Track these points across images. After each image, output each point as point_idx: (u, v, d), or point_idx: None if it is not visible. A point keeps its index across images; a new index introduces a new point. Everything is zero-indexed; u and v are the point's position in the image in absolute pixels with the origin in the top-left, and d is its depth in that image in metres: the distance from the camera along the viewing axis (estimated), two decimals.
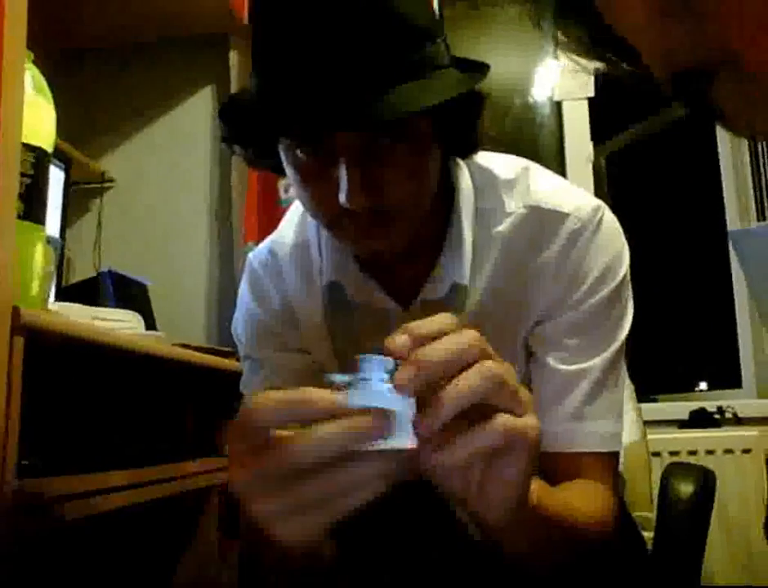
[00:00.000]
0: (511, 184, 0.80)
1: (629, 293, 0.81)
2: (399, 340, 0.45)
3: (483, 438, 0.46)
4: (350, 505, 0.45)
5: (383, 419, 0.43)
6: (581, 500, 0.71)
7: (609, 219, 0.81)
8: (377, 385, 0.44)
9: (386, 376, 0.44)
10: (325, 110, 0.61)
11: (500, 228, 0.79)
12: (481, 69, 0.70)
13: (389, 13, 0.62)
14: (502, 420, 0.47)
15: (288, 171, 0.70)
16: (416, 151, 0.67)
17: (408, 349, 0.45)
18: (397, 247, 0.72)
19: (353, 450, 0.44)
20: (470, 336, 0.47)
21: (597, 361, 0.77)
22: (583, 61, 0.35)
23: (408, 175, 0.67)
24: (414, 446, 0.44)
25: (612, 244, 0.79)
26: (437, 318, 0.47)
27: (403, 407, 0.44)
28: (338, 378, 0.45)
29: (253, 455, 0.44)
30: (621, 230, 0.82)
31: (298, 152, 0.67)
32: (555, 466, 0.77)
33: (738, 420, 2.15)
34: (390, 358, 0.45)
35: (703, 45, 0.25)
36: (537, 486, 0.57)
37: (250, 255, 0.91)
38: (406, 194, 0.67)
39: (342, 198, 0.64)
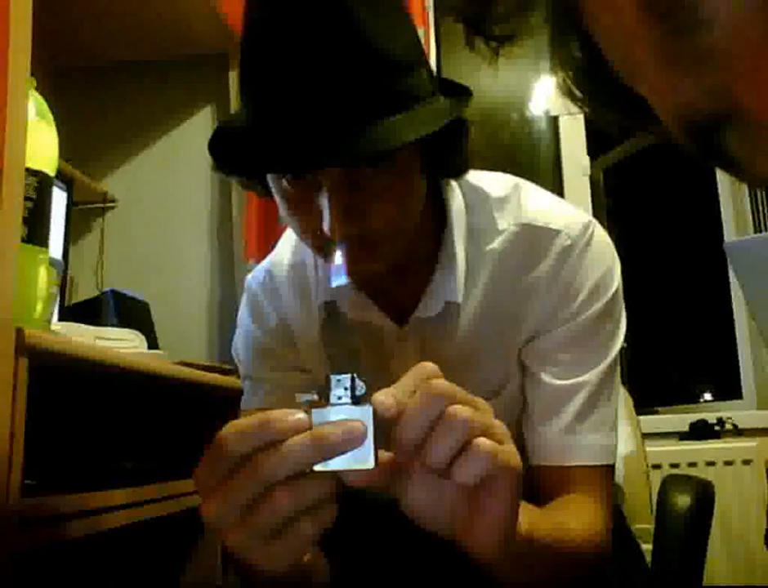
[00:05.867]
0: (502, 203, 0.81)
1: (621, 308, 0.82)
2: (384, 401, 0.46)
3: (466, 471, 0.47)
4: (310, 530, 0.45)
5: (346, 431, 0.44)
6: (574, 518, 0.72)
7: (600, 235, 0.82)
8: (340, 402, 0.45)
9: (349, 394, 0.46)
10: (306, 148, 0.63)
11: (492, 245, 0.80)
12: (466, 94, 0.71)
13: (369, 48, 0.62)
14: (485, 448, 0.47)
15: (276, 198, 0.72)
16: (400, 178, 0.68)
17: (392, 411, 0.46)
18: (383, 270, 0.73)
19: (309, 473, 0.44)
20: (439, 388, 0.47)
21: (590, 375, 0.79)
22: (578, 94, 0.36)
23: (391, 202, 0.68)
24: (374, 466, 0.45)
25: (603, 260, 0.81)
26: (414, 371, 0.49)
27: (364, 421, 0.45)
28: (305, 397, 0.46)
29: (223, 485, 0.45)
30: (612, 246, 0.83)
31: (284, 182, 0.69)
32: (549, 480, 0.78)
33: (738, 432, 2.15)
34: (355, 377, 0.46)
35: (711, 95, 0.25)
36: (527, 512, 0.57)
37: (248, 277, 0.92)
38: (390, 220, 0.69)
39: (326, 227, 0.66)
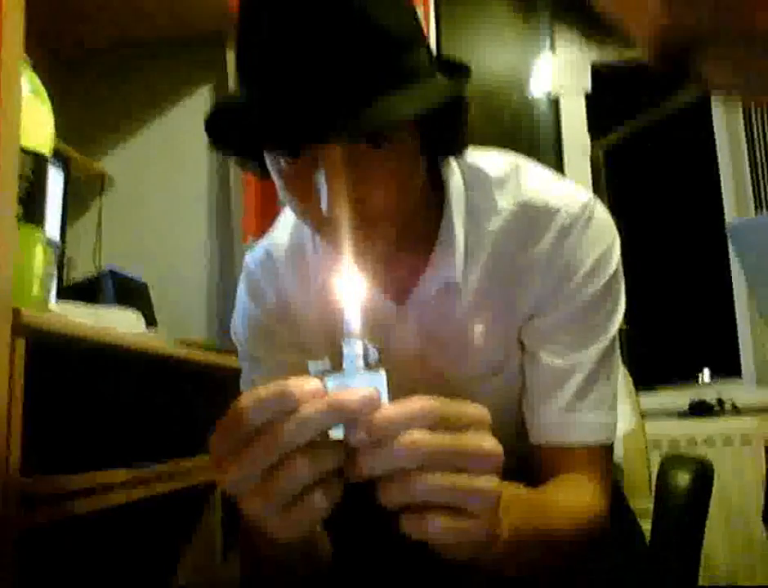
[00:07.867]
0: (501, 182, 0.81)
1: (621, 286, 0.82)
2: (358, 437, 0.46)
3: (432, 492, 0.46)
4: (324, 501, 0.45)
5: (362, 397, 0.45)
6: (573, 497, 0.72)
7: (600, 212, 0.81)
8: (353, 369, 0.46)
9: (361, 361, 0.46)
10: (303, 124, 0.62)
11: (492, 225, 0.79)
12: (465, 72, 0.70)
13: (368, 25, 0.62)
14: (451, 479, 0.46)
15: (274, 177, 0.71)
16: (398, 157, 0.67)
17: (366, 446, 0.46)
18: (382, 250, 0.72)
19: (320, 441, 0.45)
20: (422, 443, 0.46)
21: (589, 354, 0.78)
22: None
23: (390, 180, 0.67)
24: None
25: (603, 238, 0.80)
26: (404, 410, 0.46)
27: (378, 387, 0.46)
28: (318, 365, 0.46)
29: (239, 454, 0.45)
30: (612, 224, 0.82)
31: (281, 161, 0.68)
32: (549, 458, 0.78)
33: (737, 410, 2.16)
34: (367, 343, 0.47)
35: (691, 16, 0.25)
36: (513, 513, 0.56)
37: (247, 256, 0.92)
38: (389, 200, 0.68)
39: (323, 207, 0.65)
